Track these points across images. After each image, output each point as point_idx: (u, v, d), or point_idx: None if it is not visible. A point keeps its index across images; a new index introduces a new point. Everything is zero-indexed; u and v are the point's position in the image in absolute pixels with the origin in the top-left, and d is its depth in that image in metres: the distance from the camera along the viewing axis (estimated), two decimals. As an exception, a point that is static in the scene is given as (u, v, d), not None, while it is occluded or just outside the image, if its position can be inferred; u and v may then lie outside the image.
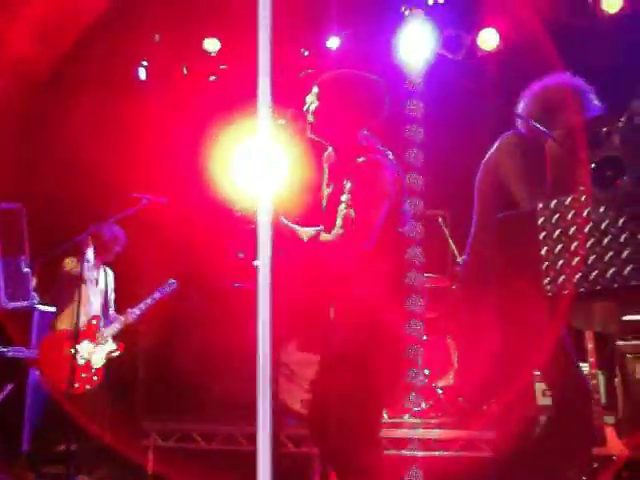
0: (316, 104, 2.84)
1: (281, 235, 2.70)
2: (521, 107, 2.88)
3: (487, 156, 2.90)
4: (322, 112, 2.83)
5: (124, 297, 5.54)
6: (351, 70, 2.91)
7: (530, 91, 2.90)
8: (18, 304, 4.92)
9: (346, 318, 2.71)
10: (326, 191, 2.93)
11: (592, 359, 4.05)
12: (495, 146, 2.87)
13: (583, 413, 2.67)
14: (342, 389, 2.62)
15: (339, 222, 2.69)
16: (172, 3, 6.43)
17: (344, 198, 2.70)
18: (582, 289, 1.63)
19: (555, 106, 2.78)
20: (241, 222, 2.80)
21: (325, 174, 2.96)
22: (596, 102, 2.82)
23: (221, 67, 6.89)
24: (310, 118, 2.85)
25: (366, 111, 2.84)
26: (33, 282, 5.04)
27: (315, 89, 2.87)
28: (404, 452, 4.73)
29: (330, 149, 2.93)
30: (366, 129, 2.86)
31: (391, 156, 2.83)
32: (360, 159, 2.75)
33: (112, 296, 5.48)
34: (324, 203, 2.92)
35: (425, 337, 5.46)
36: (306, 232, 2.82)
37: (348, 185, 2.72)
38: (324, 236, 2.75)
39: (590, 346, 4.05)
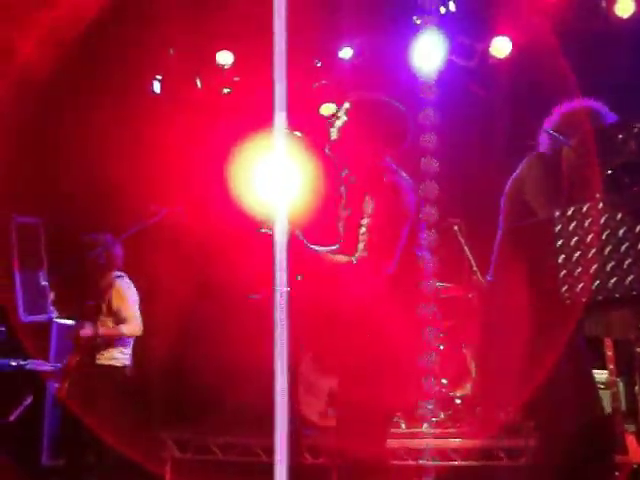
0: (344, 120, 2.83)
1: (301, 257, 2.70)
2: (546, 124, 2.94)
3: (513, 176, 2.95)
4: (350, 131, 2.82)
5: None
6: (383, 96, 2.90)
7: (551, 116, 2.95)
8: (36, 317, 4.95)
9: (359, 328, 2.72)
10: (343, 214, 2.92)
11: (611, 366, 4.01)
12: (520, 167, 2.93)
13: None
14: (359, 400, 2.63)
15: (361, 246, 2.69)
16: (186, 17, 6.48)
17: (365, 222, 2.70)
18: (600, 297, 1.62)
19: (574, 128, 2.81)
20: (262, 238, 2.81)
21: (342, 197, 2.96)
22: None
23: (235, 79, 6.92)
24: (334, 134, 2.84)
25: (391, 140, 2.85)
26: (51, 296, 5.08)
27: (347, 105, 2.85)
28: (422, 462, 4.70)
29: (347, 171, 2.92)
30: (387, 155, 2.87)
31: (406, 177, 2.84)
32: (381, 182, 2.76)
33: None
34: (341, 225, 2.92)
35: (442, 346, 5.44)
36: (327, 254, 2.84)
37: (369, 208, 2.72)
38: (343, 258, 2.76)
39: (609, 353, 4.01)
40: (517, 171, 2.95)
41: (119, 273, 5.16)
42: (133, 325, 5.06)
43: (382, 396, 2.64)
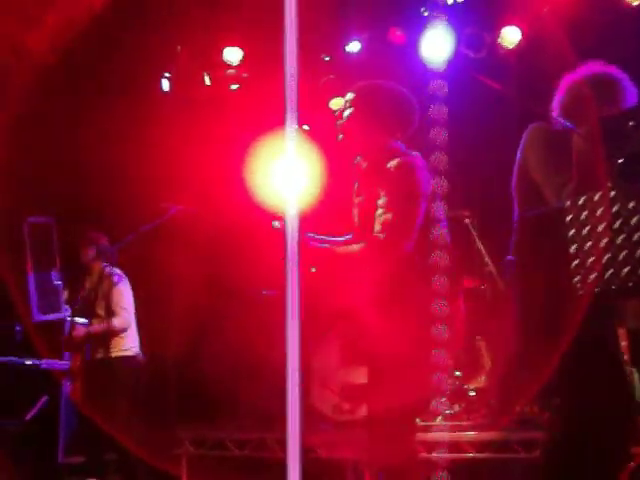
0: (350, 110, 2.84)
1: (314, 251, 2.71)
2: (555, 99, 2.83)
3: (518, 152, 2.88)
4: (356, 119, 2.84)
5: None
6: (387, 81, 2.92)
7: (563, 82, 2.85)
8: (50, 317, 4.98)
9: (381, 315, 2.70)
10: (357, 200, 2.93)
11: (626, 356, 3.99)
12: (522, 141, 2.84)
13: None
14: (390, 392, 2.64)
15: (378, 227, 2.69)
16: (193, 14, 6.48)
17: (381, 202, 2.71)
18: (613, 286, 1.61)
19: (587, 98, 2.73)
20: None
21: (355, 185, 2.96)
22: (632, 90, 2.75)
23: (244, 75, 6.92)
24: (343, 123, 2.86)
25: (398, 123, 2.87)
26: (64, 295, 5.11)
27: (350, 95, 2.87)
28: (436, 454, 4.69)
29: (359, 158, 2.93)
30: (396, 139, 2.87)
31: (418, 155, 2.83)
32: (393, 162, 2.77)
33: None
34: (356, 213, 2.92)
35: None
36: (338, 244, 2.84)
37: (383, 190, 2.72)
38: (355, 247, 2.76)
39: (624, 343, 3.99)
40: (521, 145, 2.86)
41: (116, 270, 5.19)
42: (123, 317, 5.09)
43: (414, 386, 2.62)
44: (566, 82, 2.83)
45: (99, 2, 5.55)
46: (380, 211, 2.71)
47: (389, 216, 2.67)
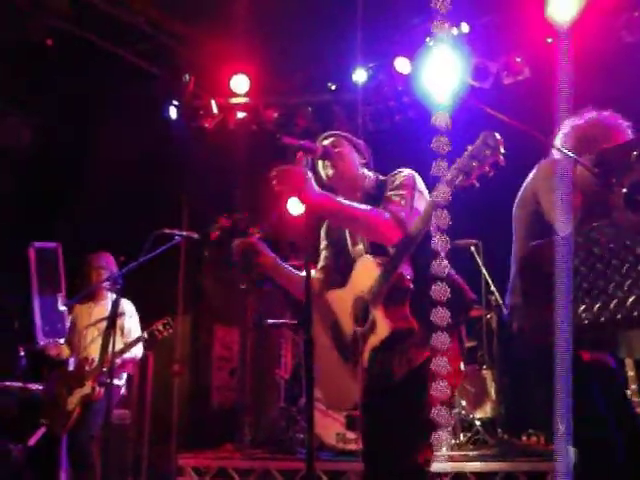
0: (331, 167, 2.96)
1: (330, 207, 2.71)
2: (558, 138, 2.86)
3: (524, 185, 2.90)
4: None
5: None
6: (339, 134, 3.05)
7: (563, 128, 2.89)
8: (54, 341, 4.98)
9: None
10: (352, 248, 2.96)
11: (633, 386, 3.96)
12: (531, 175, 2.86)
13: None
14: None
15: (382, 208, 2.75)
16: (199, 43, 6.57)
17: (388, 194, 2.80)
18: (619, 316, 1.60)
19: (589, 141, 2.77)
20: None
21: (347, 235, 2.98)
22: (631, 136, 2.80)
23: (249, 102, 6.97)
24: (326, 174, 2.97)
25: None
26: (69, 320, 5.10)
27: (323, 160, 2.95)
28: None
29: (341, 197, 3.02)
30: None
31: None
32: (385, 178, 2.92)
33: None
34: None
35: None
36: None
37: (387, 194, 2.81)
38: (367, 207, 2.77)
39: (631, 374, 3.97)
40: (528, 180, 2.89)
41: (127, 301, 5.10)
42: (141, 347, 4.98)
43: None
44: (567, 126, 2.87)
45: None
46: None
47: (387, 203, 2.77)
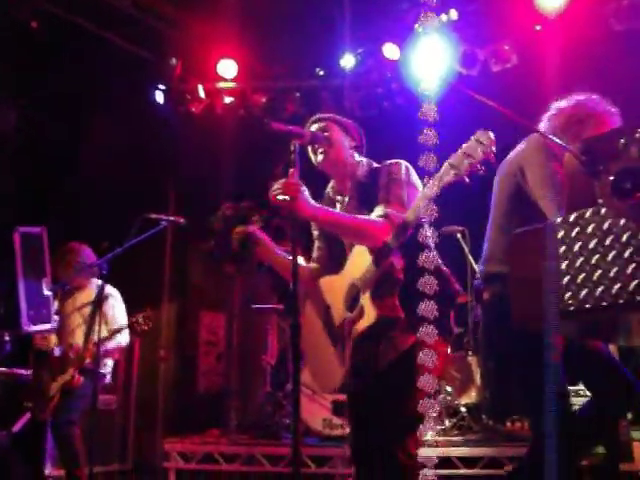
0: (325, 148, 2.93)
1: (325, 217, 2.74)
2: (542, 126, 2.86)
3: (510, 155, 2.88)
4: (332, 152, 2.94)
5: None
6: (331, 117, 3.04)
7: (550, 111, 2.88)
8: (39, 327, 4.93)
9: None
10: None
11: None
12: (520, 147, 2.84)
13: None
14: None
15: (380, 208, 2.74)
16: (187, 27, 6.51)
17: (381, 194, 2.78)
18: (604, 303, 1.61)
19: (575, 124, 2.76)
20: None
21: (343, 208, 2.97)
22: (618, 120, 2.80)
23: (237, 87, 6.93)
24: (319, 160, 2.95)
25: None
26: (54, 305, 5.06)
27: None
28: (427, 471, 4.67)
29: (333, 182, 3.02)
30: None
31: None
32: (379, 166, 2.90)
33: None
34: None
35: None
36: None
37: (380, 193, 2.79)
38: (364, 217, 2.77)
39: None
40: (517, 151, 2.85)
41: (111, 288, 5.01)
42: (127, 334, 4.95)
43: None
44: (553, 110, 2.86)
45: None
46: (380, 207, 2.76)
47: (384, 195, 2.77)
